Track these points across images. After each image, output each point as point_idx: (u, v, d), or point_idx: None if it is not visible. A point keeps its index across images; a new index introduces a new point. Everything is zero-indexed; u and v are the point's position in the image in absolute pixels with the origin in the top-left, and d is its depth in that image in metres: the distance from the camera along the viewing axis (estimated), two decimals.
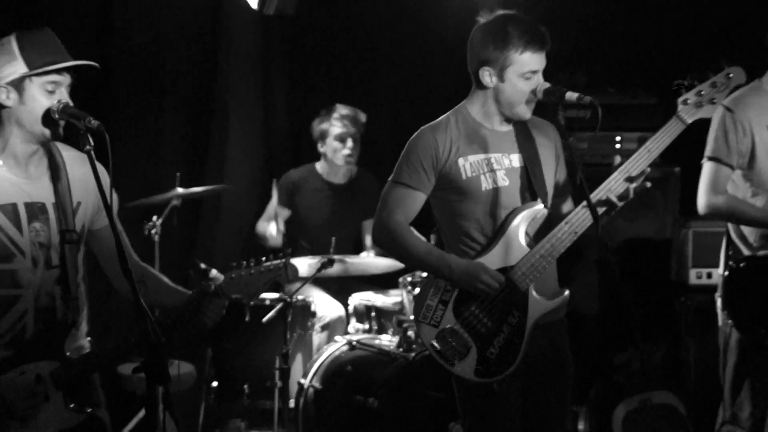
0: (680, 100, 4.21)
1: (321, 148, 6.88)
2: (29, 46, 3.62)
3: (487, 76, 4.16)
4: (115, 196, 3.87)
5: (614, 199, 4.09)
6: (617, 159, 4.18)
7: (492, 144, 4.22)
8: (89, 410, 3.71)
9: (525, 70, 4.11)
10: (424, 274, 5.56)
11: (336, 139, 6.79)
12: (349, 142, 6.80)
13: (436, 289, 4.20)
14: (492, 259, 4.17)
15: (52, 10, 6.46)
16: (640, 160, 4.14)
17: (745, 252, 5.00)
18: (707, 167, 5.05)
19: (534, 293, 4.19)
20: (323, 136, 6.83)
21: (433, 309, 4.18)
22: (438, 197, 4.27)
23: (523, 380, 4.24)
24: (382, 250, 4.46)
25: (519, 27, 4.12)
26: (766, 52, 5.03)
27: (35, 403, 3.61)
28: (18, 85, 3.61)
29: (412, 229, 4.29)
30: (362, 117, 6.86)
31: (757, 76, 5.04)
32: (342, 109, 6.82)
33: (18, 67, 3.60)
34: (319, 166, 6.96)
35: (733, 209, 4.99)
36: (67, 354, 3.70)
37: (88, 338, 3.90)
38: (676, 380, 6.51)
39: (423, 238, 4.35)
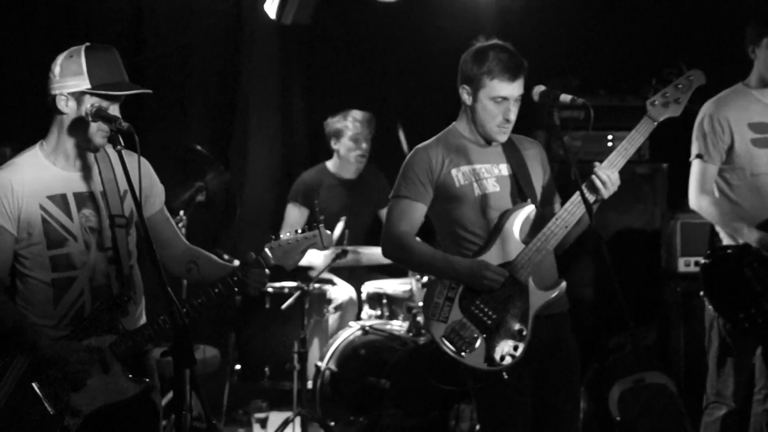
0: (648, 102, 4.37)
1: (334, 146, 7.04)
2: (95, 63, 3.81)
3: (465, 93, 4.36)
4: (161, 188, 4.13)
5: (600, 186, 4.21)
6: (597, 165, 4.37)
7: (480, 157, 4.40)
8: (147, 380, 3.90)
9: (494, 94, 4.28)
10: None
11: (351, 140, 6.97)
12: (363, 144, 7.01)
13: (441, 287, 4.31)
14: (491, 257, 4.31)
15: (88, 22, 6.68)
16: (618, 158, 4.31)
17: (725, 242, 5.23)
18: (694, 166, 5.29)
19: (533, 285, 4.31)
20: (338, 135, 7.01)
21: (440, 306, 4.28)
22: (435, 207, 4.41)
23: (531, 375, 4.33)
24: (391, 260, 4.58)
25: (498, 55, 4.28)
26: (748, 59, 5.27)
27: (91, 371, 3.80)
28: (78, 97, 3.81)
29: (415, 237, 4.43)
30: (373, 120, 7.04)
31: (741, 79, 5.31)
32: (357, 113, 7.00)
33: (82, 82, 3.80)
34: (331, 164, 7.12)
35: (712, 215, 5.24)
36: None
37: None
38: (666, 361, 6.61)
39: (426, 245, 4.45)
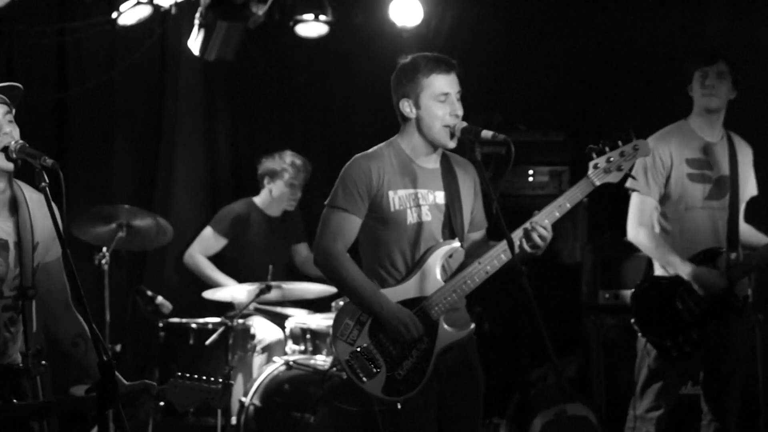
0: (591, 164, 4.39)
1: (267, 185, 7.15)
2: None
3: (407, 106, 4.39)
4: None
5: (526, 247, 4.28)
6: (536, 213, 4.42)
7: (420, 180, 4.41)
8: None
9: (436, 92, 4.33)
10: None
11: (287, 185, 7.10)
12: (297, 191, 7.15)
13: (356, 310, 4.35)
14: (408, 288, 4.36)
15: (10, 58, 6.65)
16: (554, 212, 4.35)
17: (659, 273, 5.38)
18: (634, 199, 5.41)
19: (444, 324, 4.37)
20: (272, 176, 7.11)
21: (350, 328, 4.33)
22: (365, 223, 4.41)
23: (439, 394, 4.41)
24: (321, 272, 4.56)
25: (425, 57, 4.39)
26: (688, 98, 5.42)
27: None
28: None
29: (350, 259, 4.43)
30: (309, 166, 7.17)
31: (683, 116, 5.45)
32: (295, 159, 7.11)
33: None
34: (259, 200, 7.20)
35: (647, 247, 5.36)
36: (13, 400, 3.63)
37: (44, 362, 3.81)
38: (587, 392, 6.72)
39: (360, 270, 4.43)
